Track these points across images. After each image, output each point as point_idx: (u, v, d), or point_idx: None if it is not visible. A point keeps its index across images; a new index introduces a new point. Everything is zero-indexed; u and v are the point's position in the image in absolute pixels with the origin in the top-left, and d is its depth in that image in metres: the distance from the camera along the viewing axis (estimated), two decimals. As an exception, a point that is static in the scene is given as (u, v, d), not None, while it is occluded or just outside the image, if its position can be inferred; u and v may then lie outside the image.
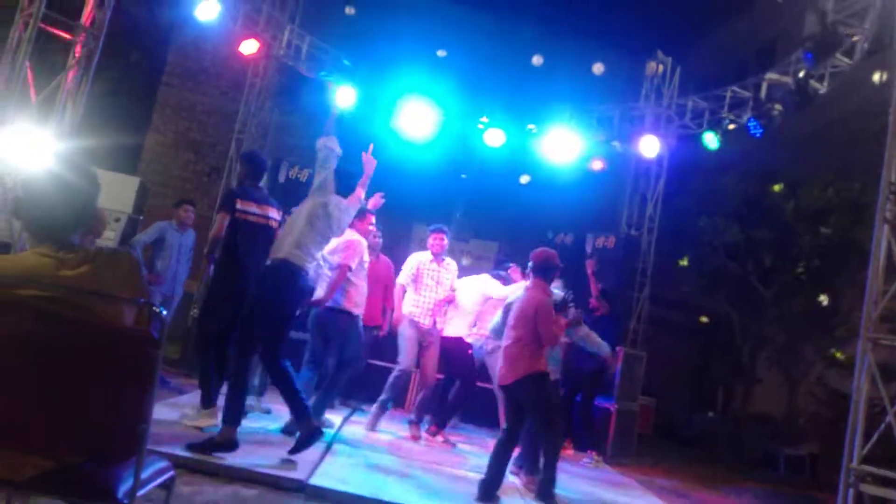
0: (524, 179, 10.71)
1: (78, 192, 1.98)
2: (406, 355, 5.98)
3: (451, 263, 6.35)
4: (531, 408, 4.43)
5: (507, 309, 4.88)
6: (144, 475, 1.90)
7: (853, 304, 7.40)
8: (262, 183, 5.11)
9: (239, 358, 4.34)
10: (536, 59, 9.57)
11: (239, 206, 4.78)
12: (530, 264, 4.77)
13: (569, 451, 6.70)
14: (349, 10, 9.60)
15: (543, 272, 4.63)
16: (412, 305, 6.08)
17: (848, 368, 5.72)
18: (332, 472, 4.26)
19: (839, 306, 9.52)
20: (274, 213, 4.95)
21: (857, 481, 4.28)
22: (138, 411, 1.86)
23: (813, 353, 9.98)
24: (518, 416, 4.54)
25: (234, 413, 4.15)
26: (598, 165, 9.82)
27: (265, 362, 4.46)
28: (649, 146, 8.97)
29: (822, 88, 7.80)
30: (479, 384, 6.45)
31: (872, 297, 4.46)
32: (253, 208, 4.81)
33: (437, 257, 6.19)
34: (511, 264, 6.66)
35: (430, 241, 6.24)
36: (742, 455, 9.71)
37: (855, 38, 7.46)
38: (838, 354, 7.80)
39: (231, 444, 4.07)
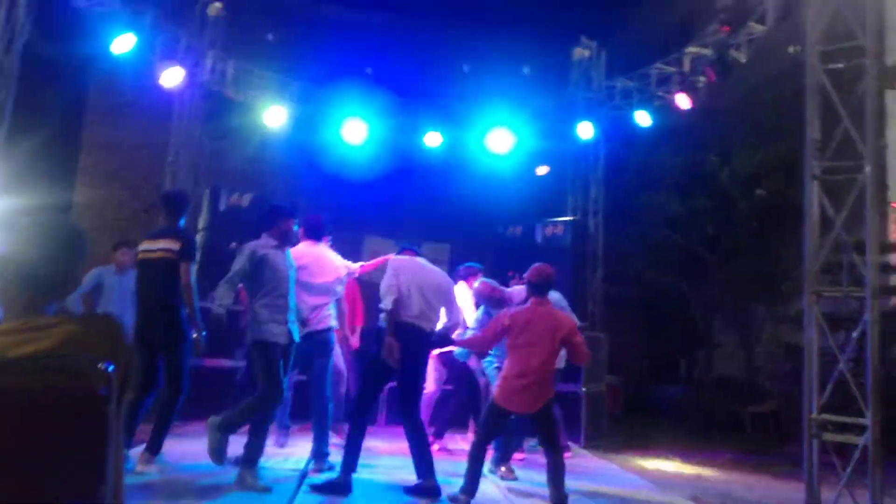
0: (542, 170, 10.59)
1: (67, 251, 1.90)
2: None
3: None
4: (548, 430, 4.41)
5: (509, 329, 4.43)
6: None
7: (795, 261, 7.67)
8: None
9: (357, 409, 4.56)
10: (466, 68, 9.65)
11: (138, 248, 4.95)
12: (522, 279, 4.67)
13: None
14: (270, 38, 9.47)
15: (542, 289, 4.55)
16: None
17: (798, 322, 5.93)
18: (310, 502, 4.19)
19: (782, 263, 9.87)
20: (165, 244, 4.78)
21: (819, 430, 4.43)
22: (97, 471, 1.78)
23: (764, 311, 10.32)
24: (502, 428, 4.64)
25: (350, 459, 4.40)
26: (542, 170, 10.03)
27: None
28: (585, 131, 9.12)
29: (743, 57, 8.07)
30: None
31: (811, 252, 4.62)
32: (145, 245, 4.88)
33: None
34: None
35: None
36: (710, 420, 9.97)
37: (766, 5, 7.75)
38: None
39: (347, 488, 4.32)
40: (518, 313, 4.52)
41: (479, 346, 4.66)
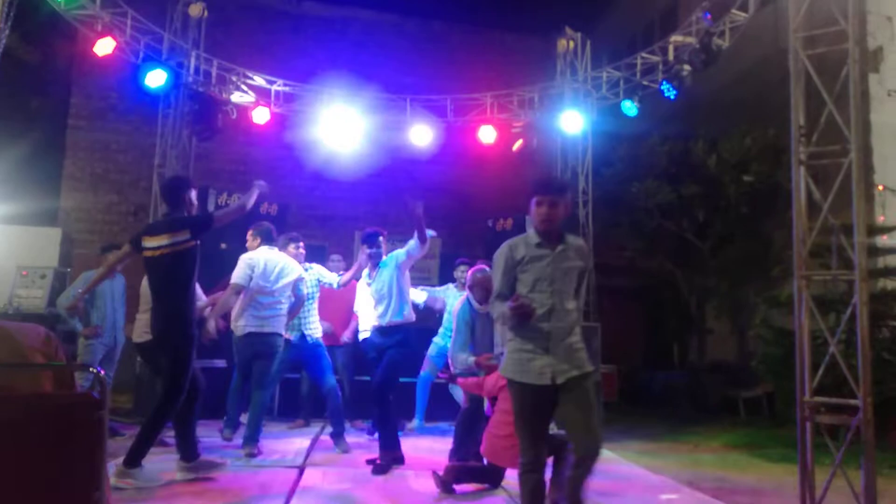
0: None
1: None
2: None
3: (311, 269, 6.19)
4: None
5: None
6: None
7: (784, 245, 7.71)
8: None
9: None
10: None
11: (143, 244, 4.46)
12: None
13: None
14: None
15: None
16: None
17: (789, 306, 5.96)
18: (307, 499, 4.19)
19: (772, 248, 9.92)
20: (167, 239, 4.35)
21: (812, 413, 4.46)
22: (90, 477, 1.78)
23: (755, 296, 10.38)
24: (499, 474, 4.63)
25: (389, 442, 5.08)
26: (518, 146, 9.74)
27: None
28: (571, 122, 9.12)
29: (725, 43, 8.10)
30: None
31: (800, 237, 4.63)
32: (147, 243, 4.42)
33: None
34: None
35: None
36: (704, 405, 10.04)
37: (748, -8, 7.78)
38: (780, 297, 8.14)
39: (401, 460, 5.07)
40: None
41: (477, 391, 4.62)
